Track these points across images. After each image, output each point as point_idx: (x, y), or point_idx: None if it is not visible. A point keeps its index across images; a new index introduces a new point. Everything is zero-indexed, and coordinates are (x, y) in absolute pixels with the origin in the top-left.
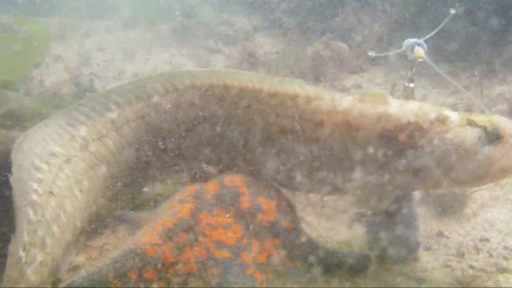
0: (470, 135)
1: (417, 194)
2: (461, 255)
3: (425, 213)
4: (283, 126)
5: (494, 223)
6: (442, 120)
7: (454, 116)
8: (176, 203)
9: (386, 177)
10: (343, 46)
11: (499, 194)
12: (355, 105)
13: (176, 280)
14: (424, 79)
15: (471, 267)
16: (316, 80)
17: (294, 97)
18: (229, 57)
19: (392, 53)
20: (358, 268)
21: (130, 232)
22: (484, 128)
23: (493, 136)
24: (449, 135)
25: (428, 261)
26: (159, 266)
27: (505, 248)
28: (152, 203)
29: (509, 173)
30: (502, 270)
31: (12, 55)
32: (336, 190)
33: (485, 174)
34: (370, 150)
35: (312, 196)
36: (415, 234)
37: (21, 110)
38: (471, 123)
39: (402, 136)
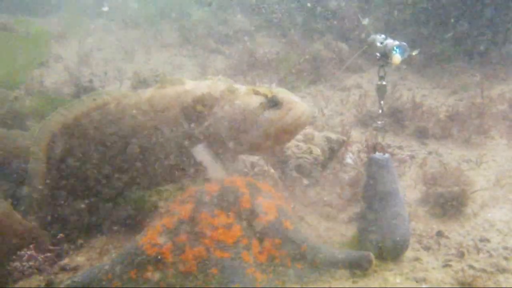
0: (254, 101)
1: (417, 195)
2: (461, 255)
3: (425, 213)
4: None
5: (494, 223)
6: (231, 91)
7: (242, 88)
8: (177, 203)
9: (190, 144)
10: (343, 46)
11: (499, 194)
12: (156, 91)
13: (176, 280)
14: (423, 80)
15: (471, 267)
16: (316, 80)
17: (104, 105)
18: (229, 57)
19: (362, 50)
20: (358, 268)
21: (130, 232)
22: (265, 96)
23: (272, 103)
24: (237, 102)
25: (428, 261)
26: (159, 266)
27: (505, 248)
28: (152, 204)
29: (289, 133)
30: (502, 270)
31: (13, 55)
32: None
33: (268, 134)
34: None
35: (312, 196)
36: (403, 231)
37: (21, 110)
38: (256, 93)
39: (199, 106)
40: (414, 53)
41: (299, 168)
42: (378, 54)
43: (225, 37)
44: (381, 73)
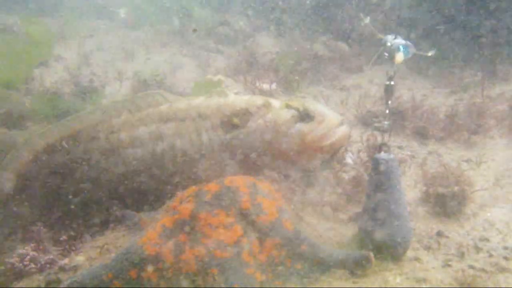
0: (285, 114)
1: (417, 194)
2: (461, 255)
3: (425, 213)
4: None
5: (494, 223)
6: (266, 106)
7: (276, 103)
8: (177, 203)
9: (228, 154)
10: (343, 46)
11: (499, 194)
12: (203, 101)
13: (176, 280)
14: (423, 79)
15: (471, 267)
16: (317, 80)
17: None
18: (229, 57)
19: (379, 51)
20: (358, 268)
21: (130, 232)
22: (297, 109)
23: (304, 115)
24: (269, 115)
25: (428, 261)
26: (159, 265)
27: (505, 248)
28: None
29: (321, 145)
30: (502, 270)
31: (13, 55)
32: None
33: (300, 145)
34: (216, 133)
35: (312, 196)
36: (405, 232)
37: (21, 110)
38: (288, 106)
39: (235, 120)
40: (429, 54)
41: (299, 168)
42: (386, 54)
43: (225, 37)
44: (391, 73)
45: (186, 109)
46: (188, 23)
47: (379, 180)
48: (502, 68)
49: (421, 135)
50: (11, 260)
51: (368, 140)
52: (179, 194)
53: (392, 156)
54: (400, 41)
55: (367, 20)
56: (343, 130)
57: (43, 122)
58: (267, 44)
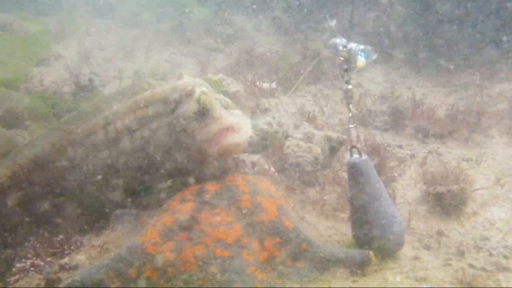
0: (189, 107)
1: (417, 193)
2: (461, 254)
3: (425, 212)
4: None
5: (494, 222)
6: (190, 94)
7: (197, 93)
8: (177, 202)
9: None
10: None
11: (499, 193)
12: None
13: (176, 279)
14: (423, 78)
15: (471, 266)
16: (316, 79)
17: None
18: (229, 56)
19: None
20: (358, 266)
21: (130, 231)
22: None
23: (201, 112)
24: (187, 105)
25: (429, 260)
26: (159, 264)
27: (505, 247)
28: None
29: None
30: (502, 269)
31: (12, 54)
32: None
33: (193, 143)
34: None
35: (312, 195)
36: (395, 229)
37: (21, 109)
38: (197, 99)
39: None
40: (374, 58)
41: (298, 167)
42: (342, 58)
43: (225, 36)
44: (346, 78)
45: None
46: (188, 22)
47: (356, 183)
48: (502, 67)
49: (421, 134)
50: (14, 278)
51: (366, 139)
52: (179, 193)
53: (364, 157)
54: (356, 45)
55: (333, 23)
56: (238, 136)
57: (42, 121)
58: (267, 43)
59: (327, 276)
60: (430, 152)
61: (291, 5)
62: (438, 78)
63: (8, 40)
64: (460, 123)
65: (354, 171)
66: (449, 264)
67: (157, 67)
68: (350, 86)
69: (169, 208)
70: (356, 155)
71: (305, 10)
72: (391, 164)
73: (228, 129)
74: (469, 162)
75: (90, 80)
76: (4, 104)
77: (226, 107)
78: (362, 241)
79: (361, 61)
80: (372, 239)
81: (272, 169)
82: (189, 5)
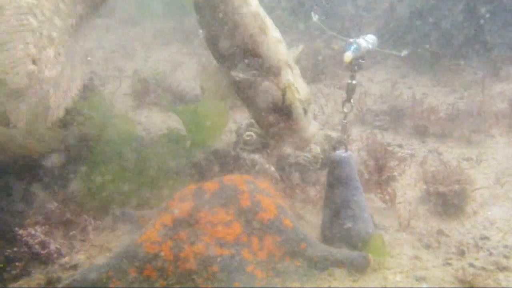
0: (273, 94)
1: (417, 193)
2: (462, 254)
3: (426, 211)
4: None
5: (494, 221)
6: (283, 66)
7: (284, 81)
8: (176, 201)
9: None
10: (343, 44)
11: (499, 193)
12: None
13: (175, 278)
14: (423, 78)
15: (472, 265)
16: (317, 78)
17: None
18: None
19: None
20: (356, 268)
21: (130, 231)
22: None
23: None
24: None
25: (428, 260)
26: (159, 263)
27: (506, 246)
28: (152, 203)
29: None
30: (503, 269)
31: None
32: None
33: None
34: None
35: (311, 194)
36: (365, 226)
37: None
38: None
39: None
40: (402, 54)
41: (298, 166)
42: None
43: None
44: (352, 72)
45: None
46: (188, 21)
47: (341, 176)
48: (503, 67)
49: (421, 133)
50: (24, 238)
51: (367, 138)
52: (178, 192)
53: (349, 153)
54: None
55: (315, 18)
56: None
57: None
58: None
59: (326, 275)
60: (430, 151)
61: (292, 5)
62: (438, 78)
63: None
64: (460, 123)
65: (343, 165)
66: (449, 264)
67: (157, 66)
68: (355, 81)
69: (168, 207)
70: (340, 151)
71: (305, 9)
72: (391, 164)
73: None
74: (470, 162)
75: (91, 79)
76: (3, 103)
77: (305, 112)
78: (341, 235)
79: (346, 55)
80: (356, 232)
81: (272, 168)
82: (189, 4)
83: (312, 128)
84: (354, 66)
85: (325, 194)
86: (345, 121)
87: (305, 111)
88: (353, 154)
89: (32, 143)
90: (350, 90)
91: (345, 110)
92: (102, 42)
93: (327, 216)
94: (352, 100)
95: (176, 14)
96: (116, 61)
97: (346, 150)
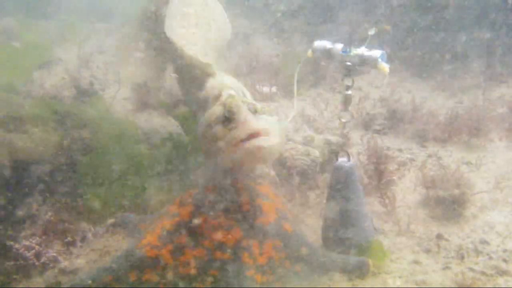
0: (214, 111)
1: (416, 197)
2: (461, 258)
3: (425, 216)
4: None
5: (494, 225)
6: (217, 97)
7: (224, 97)
8: (176, 205)
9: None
10: None
11: (499, 197)
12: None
13: (176, 282)
14: (423, 82)
15: (471, 269)
16: (316, 83)
17: None
18: (229, 60)
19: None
20: (356, 273)
21: (130, 235)
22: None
23: (227, 116)
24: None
25: (428, 264)
26: (159, 268)
27: (505, 250)
28: (152, 206)
29: (231, 155)
30: (502, 273)
31: (13, 58)
32: None
33: (213, 146)
34: None
35: (311, 198)
36: (366, 235)
37: (21, 113)
38: (223, 104)
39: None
40: (373, 32)
41: (297, 171)
42: (349, 63)
43: None
44: (348, 83)
45: None
46: None
47: (346, 186)
48: (503, 71)
49: (421, 137)
50: (20, 251)
51: (368, 142)
52: (178, 197)
53: (351, 163)
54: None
55: (372, 32)
56: (263, 140)
57: (42, 126)
58: (267, 47)
59: (325, 280)
60: (429, 155)
61: (292, 9)
62: (438, 82)
63: (9, 44)
64: (460, 127)
65: (348, 174)
66: (449, 268)
67: None
68: (350, 92)
69: (168, 212)
70: (343, 159)
71: (305, 14)
72: (391, 168)
73: (254, 134)
74: (469, 166)
75: (91, 83)
76: (5, 108)
77: (254, 112)
78: (341, 244)
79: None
80: (356, 241)
81: (272, 172)
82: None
83: (262, 123)
84: (346, 73)
85: (326, 200)
86: (345, 131)
87: (255, 111)
88: (353, 160)
89: (30, 147)
90: (346, 101)
91: (343, 120)
92: (103, 46)
93: (328, 224)
94: (350, 108)
95: None
96: (116, 65)
97: (349, 159)
